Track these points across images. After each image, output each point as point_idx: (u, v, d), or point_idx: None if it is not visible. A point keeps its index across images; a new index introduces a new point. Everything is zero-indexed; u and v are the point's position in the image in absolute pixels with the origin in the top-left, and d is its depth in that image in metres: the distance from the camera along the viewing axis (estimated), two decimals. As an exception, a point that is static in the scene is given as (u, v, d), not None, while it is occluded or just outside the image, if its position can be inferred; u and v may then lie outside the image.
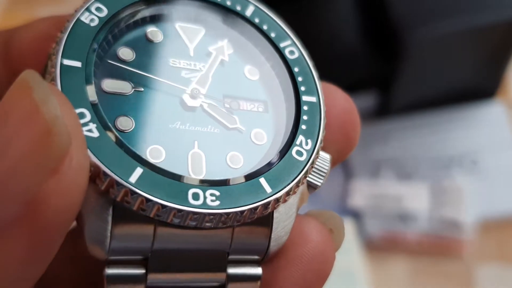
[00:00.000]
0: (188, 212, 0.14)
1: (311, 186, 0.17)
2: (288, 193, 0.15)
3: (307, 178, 0.16)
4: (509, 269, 0.52)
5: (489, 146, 0.58)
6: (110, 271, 0.14)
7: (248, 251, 0.16)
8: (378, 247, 0.54)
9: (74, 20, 0.15)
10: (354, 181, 0.56)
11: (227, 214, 0.14)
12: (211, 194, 0.14)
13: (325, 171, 0.17)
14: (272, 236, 0.16)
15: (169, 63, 0.17)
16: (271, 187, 0.15)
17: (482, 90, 0.62)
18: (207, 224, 0.14)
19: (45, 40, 0.16)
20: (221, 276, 0.15)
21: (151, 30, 0.17)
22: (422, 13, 0.51)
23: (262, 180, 0.15)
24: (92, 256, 0.14)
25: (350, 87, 0.63)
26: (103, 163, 0.13)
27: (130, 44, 0.17)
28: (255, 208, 0.15)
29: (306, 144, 0.16)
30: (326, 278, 0.17)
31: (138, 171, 0.13)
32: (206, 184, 0.15)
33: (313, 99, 0.17)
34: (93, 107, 0.14)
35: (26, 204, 0.10)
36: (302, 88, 0.17)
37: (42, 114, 0.10)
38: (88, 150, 0.13)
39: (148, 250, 0.14)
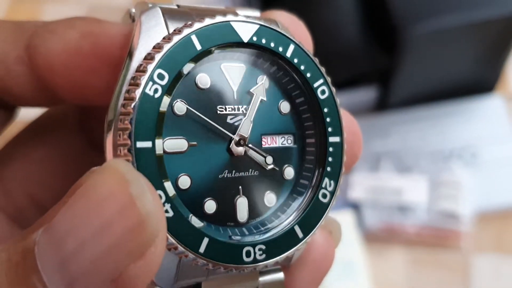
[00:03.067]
0: (243, 267, 0.16)
1: None
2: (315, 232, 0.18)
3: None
4: (506, 260, 0.53)
5: (488, 139, 0.59)
6: None
7: (276, 268, 0.19)
8: (377, 238, 0.54)
9: (140, 93, 0.15)
10: (354, 174, 0.57)
11: (270, 263, 0.17)
12: (259, 249, 0.17)
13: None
14: (294, 257, 0.19)
15: (216, 111, 0.17)
16: (303, 233, 0.18)
17: (482, 85, 0.62)
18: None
19: (76, 55, 0.17)
20: (255, 280, 0.18)
21: (200, 76, 0.18)
22: (422, 8, 0.52)
23: (296, 227, 0.18)
24: None
25: (351, 81, 0.64)
26: (176, 238, 0.15)
27: (183, 97, 0.17)
28: (293, 252, 0.17)
29: (330, 185, 0.18)
30: (328, 270, 0.20)
31: (205, 241, 0.16)
32: (256, 234, 0.17)
33: (337, 139, 0.19)
34: (166, 178, 0.16)
35: (112, 281, 0.11)
36: (330, 129, 0.19)
37: (138, 208, 0.11)
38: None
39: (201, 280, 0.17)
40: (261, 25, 0.18)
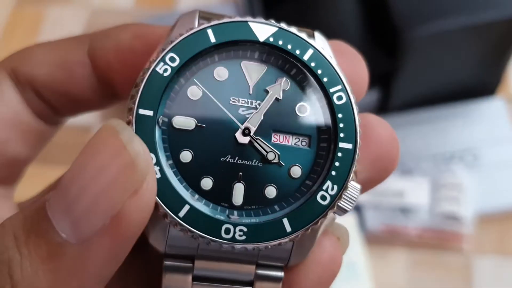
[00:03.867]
0: (221, 243, 0.18)
1: (340, 210, 0.19)
2: (309, 229, 0.18)
3: (339, 204, 0.19)
4: (507, 262, 0.53)
5: (490, 141, 0.59)
6: (167, 262, 0.18)
7: (272, 261, 0.19)
8: (379, 240, 0.55)
9: (150, 71, 0.18)
10: (356, 176, 0.57)
11: (250, 248, 0.18)
12: (240, 230, 0.18)
13: (354, 199, 0.19)
14: (292, 254, 0.19)
15: (229, 101, 0.19)
16: (291, 227, 0.18)
17: (483, 87, 0.62)
18: (236, 250, 0.18)
19: (128, 53, 0.20)
20: (250, 270, 0.19)
21: (218, 69, 0.19)
22: (423, 10, 0.52)
23: (285, 220, 0.18)
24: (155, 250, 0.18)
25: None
26: (160, 200, 0.17)
27: (200, 83, 0.19)
28: (274, 244, 0.18)
29: (332, 189, 0.19)
30: (335, 276, 0.20)
31: (186, 207, 0.17)
32: (241, 217, 0.18)
33: (349, 146, 0.19)
34: (161, 147, 0.18)
35: (111, 218, 0.13)
36: (341, 135, 0.19)
37: (128, 151, 0.14)
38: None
39: (194, 253, 0.19)
40: (279, 27, 0.20)
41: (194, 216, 0.18)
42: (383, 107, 0.61)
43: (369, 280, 0.52)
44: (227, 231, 0.18)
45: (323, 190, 0.18)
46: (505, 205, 0.55)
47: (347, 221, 0.55)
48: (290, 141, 0.19)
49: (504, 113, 0.61)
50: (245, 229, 0.18)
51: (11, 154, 0.21)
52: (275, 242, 0.18)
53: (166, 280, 0.18)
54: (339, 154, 0.19)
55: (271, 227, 0.18)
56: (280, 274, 0.19)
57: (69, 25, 0.74)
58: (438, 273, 0.53)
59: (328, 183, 0.19)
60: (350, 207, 0.19)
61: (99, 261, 0.14)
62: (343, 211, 0.19)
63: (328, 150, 0.19)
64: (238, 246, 0.18)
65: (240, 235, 0.18)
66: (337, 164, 0.19)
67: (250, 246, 0.18)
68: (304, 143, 0.20)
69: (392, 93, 0.58)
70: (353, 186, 0.19)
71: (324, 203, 0.18)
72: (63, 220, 0.13)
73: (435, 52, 0.55)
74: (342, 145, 0.19)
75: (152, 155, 0.17)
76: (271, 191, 0.19)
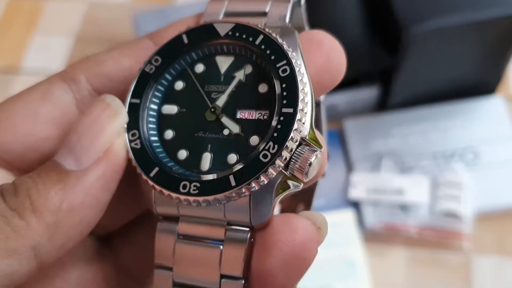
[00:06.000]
0: (178, 196, 0.22)
1: (298, 172, 0.21)
2: (248, 185, 0.21)
3: (291, 164, 0.22)
4: (507, 261, 0.53)
5: (490, 140, 0.59)
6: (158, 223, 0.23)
7: (237, 220, 0.22)
8: (378, 238, 0.54)
9: (140, 71, 0.24)
10: (355, 174, 0.57)
11: (203, 201, 0.21)
12: (194, 185, 0.22)
13: (308, 160, 0.21)
14: (251, 214, 0.22)
15: (204, 88, 0.24)
16: (236, 182, 0.21)
17: (484, 86, 0.62)
18: (198, 204, 0.22)
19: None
20: (221, 232, 0.22)
21: (197, 65, 0.25)
22: (424, 7, 0.52)
23: (231, 176, 0.21)
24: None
25: (353, 80, 0.64)
26: (137, 164, 0.22)
27: (182, 78, 0.25)
28: (222, 197, 0.21)
29: (273, 148, 0.21)
30: (306, 267, 0.20)
31: (156, 169, 0.22)
32: (192, 177, 0.22)
33: (290, 110, 0.22)
34: (141, 129, 0.23)
35: (104, 152, 0.19)
36: (284, 101, 0.22)
37: (112, 106, 0.20)
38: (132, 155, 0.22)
39: (178, 213, 0.23)
40: (237, 23, 0.24)
41: (161, 176, 0.22)
42: (383, 104, 0.61)
43: (367, 278, 0.52)
44: (184, 186, 0.22)
45: (265, 150, 0.21)
46: (505, 203, 0.55)
47: (346, 218, 0.55)
48: (254, 115, 0.23)
49: (504, 112, 0.61)
50: (198, 185, 0.22)
51: (48, 151, 0.22)
52: (221, 195, 0.21)
53: (157, 239, 0.23)
54: (281, 118, 0.22)
55: (219, 183, 0.21)
56: (245, 235, 0.22)
57: (66, 18, 0.74)
58: (437, 271, 0.53)
59: (270, 143, 0.21)
60: (304, 169, 0.21)
61: (96, 183, 0.19)
62: (299, 172, 0.21)
63: (274, 117, 0.22)
64: (191, 198, 0.21)
65: (193, 190, 0.21)
66: (279, 126, 0.22)
67: (200, 198, 0.21)
68: (265, 116, 0.23)
69: (393, 90, 0.58)
70: (308, 148, 0.21)
71: (265, 160, 0.21)
72: (67, 158, 0.19)
73: (436, 49, 0.55)
74: (284, 110, 0.22)
75: (135, 131, 0.23)
76: (232, 158, 0.23)
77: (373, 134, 0.60)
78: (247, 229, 0.22)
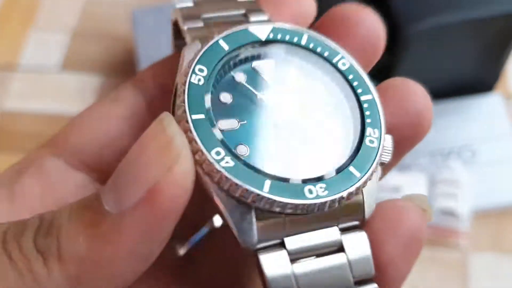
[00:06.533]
0: (310, 204, 0.19)
1: (381, 163, 0.21)
2: (372, 173, 0.20)
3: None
4: (503, 258, 0.53)
5: (487, 138, 0.59)
6: (261, 256, 0.18)
7: (350, 216, 0.20)
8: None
9: (188, 82, 0.20)
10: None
11: (334, 199, 0.19)
12: (320, 187, 0.19)
13: (390, 149, 0.21)
14: (364, 204, 0.20)
15: (256, 96, 0.21)
16: (359, 172, 0.20)
17: (481, 83, 0.62)
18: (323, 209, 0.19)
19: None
20: (336, 232, 0.20)
21: (237, 74, 0.22)
22: (421, 5, 0.52)
23: (351, 168, 0.20)
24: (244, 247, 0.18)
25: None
26: (240, 181, 0.18)
27: (226, 89, 0.21)
28: (352, 191, 0.19)
29: (374, 133, 0.21)
30: (421, 249, 0.21)
31: (267, 182, 0.19)
32: (310, 181, 0.19)
33: (369, 97, 0.22)
34: (223, 144, 0.19)
35: (148, 190, 0.15)
36: (359, 90, 0.22)
37: (166, 133, 0.16)
38: (231, 176, 0.18)
39: (283, 235, 0.19)
40: (273, 26, 0.22)
41: (277, 187, 0.18)
42: (381, 102, 0.61)
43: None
44: (310, 191, 0.19)
45: (367, 136, 0.20)
46: (502, 201, 0.55)
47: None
48: (319, 115, 0.22)
49: (502, 110, 0.61)
50: (324, 185, 0.19)
51: (122, 148, 0.22)
52: (353, 188, 0.19)
53: (266, 266, 0.18)
54: (365, 105, 0.21)
55: (344, 178, 0.20)
56: (364, 234, 0.20)
57: (63, 14, 0.73)
58: (434, 269, 0.53)
59: (369, 129, 0.21)
60: (388, 158, 0.21)
61: (134, 232, 0.15)
62: (382, 164, 0.21)
63: (355, 106, 0.22)
64: (323, 200, 0.19)
65: (322, 192, 0.19)
66: (367, 113, 0.21)
67: (334, 197, 0.19)
68: (329, 111, 0.22)
69: (391, 88, 0.58)
70: (385, 138, 0.21)
71: (374, 145, 0.20)
72: (109, 194, 0.16)
73: (434, 47, 0.55)
74: (363, 97, 0.22)
75: (220, 149, 0.18)
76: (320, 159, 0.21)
77: (371, 132, 0.59)
78: (358, 222, 0.20)
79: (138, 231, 0.15)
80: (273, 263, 0.18)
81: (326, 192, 0.19)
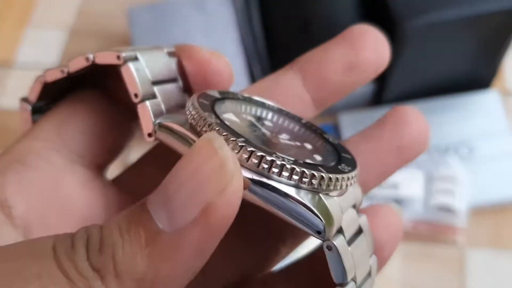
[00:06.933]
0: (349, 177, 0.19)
1: None
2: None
3: None
4: (501, 254, 0.53)
5: (485, 134, 0.59)
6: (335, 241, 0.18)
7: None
8: (373, 232, 0.54)
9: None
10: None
11: (356, 174, 0.20)
12: (343, 166, 0.20)
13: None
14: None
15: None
16: (350, 167, 0.20)
17: (479, 80, 0.62)
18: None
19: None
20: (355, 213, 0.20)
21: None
22: (419, 1, 0.51)
23: (342, 165, 0.20)
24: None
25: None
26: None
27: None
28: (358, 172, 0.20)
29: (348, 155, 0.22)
30: (400, 240, 0.23)
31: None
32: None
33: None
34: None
35: (202, 211, 0.16)
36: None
37: (219, 155, 0.16)
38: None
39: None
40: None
41: (332, 169, 0.19)
42: (378, 99, 0.61)
43: (362, 272, 0.52)
44: (343, 168, 0.19)
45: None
46: (500, 198, 0.55)
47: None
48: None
49: (499, 106, 0.61)
50: (345, 164, 0.20)
51: (110, 144, 0.23)
52: (358, 170, 0.20)
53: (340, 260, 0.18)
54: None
55: (350, 160, 0.21)
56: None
57: (60, 12, 0.73)
58: (432, 266, 0.53)
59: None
60: None
61: (189, 249, 0.16)
62: None
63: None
64: (355, 172, 0.20)
65: (348, 169, 0.20)
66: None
67: (356, 171, 0.20)
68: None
69: (387, 85, 0.58)
70: None
71: (350, 157, 0.21)
72: (161, 212, 0.16)
73: (431, 44, 0.55)
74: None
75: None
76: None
77: (368, 129, 0.59)
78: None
79: (193, 248, 0.16)
80: (344, 252, 0.18)
81: (349, 168, 0.19)
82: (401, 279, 0.52)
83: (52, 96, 0.23)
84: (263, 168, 0.17)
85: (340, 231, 0.18)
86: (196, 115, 0.18)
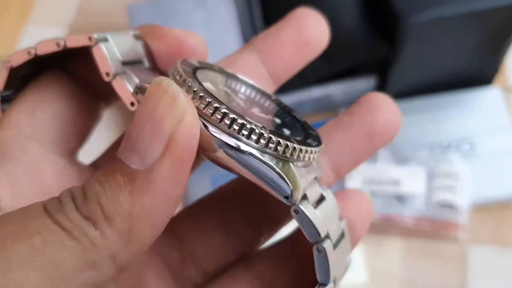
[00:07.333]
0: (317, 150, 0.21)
1: None
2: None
3: None
4: (502, 251, 0.53)
5: (486, 130, 0.59)
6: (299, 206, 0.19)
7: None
8: (374, 228, 0.54)
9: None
10: (351, 165, 0.57)
11: (322, 148, 0.21)
12: (311, 140, 0.21)
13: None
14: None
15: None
16: (316, 142, 0.21)
17: (480, 76, 0.62)
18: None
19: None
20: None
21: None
22: (421, -3, 0.51)
23: (309, 140, 0.21)
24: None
25: (349, 70, 0.63)
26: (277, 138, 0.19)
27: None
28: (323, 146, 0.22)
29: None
30: (370, 221, 0.24)
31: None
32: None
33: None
34: None
35: (166, 145, 0.17)
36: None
37: (168, 92, 0.17)
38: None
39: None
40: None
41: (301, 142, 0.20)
42: (380, 95, 0.60)
43: (363, 268, 0.52)
44: (312, 141, 0.21)
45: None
46: (501, 194, 0.55)
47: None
48: None
49: (501, 103, 0.61)
50: (311, 139, 0.21)
51: (79, 127, 0.24)
52: (322, 145, 0.22)
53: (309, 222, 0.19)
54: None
55: (315, 136, 0.22)
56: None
57: (59, 8, 0.73)
58: (433, 262, 0.53)
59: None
60: None
61: (164, 180, 0.17)
62: None
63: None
64: (320, 147, 0.21)
65: (314, 144, 0.21)
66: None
67: (322, 146, 0.21)
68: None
69: (389, 81, 0.58)
70: None
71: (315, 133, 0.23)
72: (131, 157, 0.17)
73: (433, 40, 0.55)
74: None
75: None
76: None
77: (370, 125, 0.59)
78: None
79: (167, 178, 0.17)
80: (312, 214, 0.19)
81: (316, 143, 0.21)
82: (402, 276, 0.52)
83: (18, 84, 0.23)
84: (234, 129, 0.18)
85: (305, 198, 0.19)
86: (180, 80, 0.19)
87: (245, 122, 0.18)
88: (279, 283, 0.23)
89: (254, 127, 0.18)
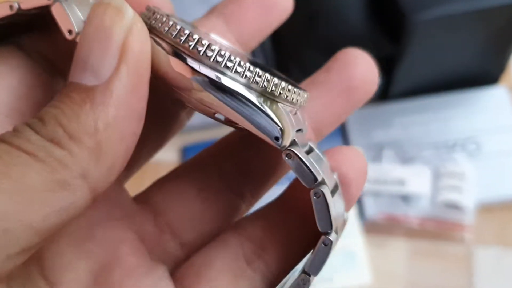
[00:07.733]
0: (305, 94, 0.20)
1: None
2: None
3: None
4: (508, 252, 0.53)
5: (492, 130, 0.58)
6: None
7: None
8: (379, 229, 0.54)
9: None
10: (356, 164, 0.56)
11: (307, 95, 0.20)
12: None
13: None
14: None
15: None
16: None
17: (486, 76, 0.61)
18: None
19: None
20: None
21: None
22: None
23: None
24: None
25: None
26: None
27: None
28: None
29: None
30: (365, 181, 0.22)
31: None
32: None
33: None
34: None
35: (119, 55, 0.17)
36: None
37: (112, 5, 0.17)
38: None
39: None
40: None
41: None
42: (385, 94, 0.60)
43: (368, 269, 0.51)
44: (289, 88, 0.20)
45: None
46: (508, 194, 0.54)
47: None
48: None
49: (507, 102, 0.60)
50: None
51: (34, 100, 0.22)
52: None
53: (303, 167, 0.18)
54: None
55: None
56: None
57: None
58: (438, 263, 0.52)
59: None
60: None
61: (124, 89, 0.17)
62: None
63: None
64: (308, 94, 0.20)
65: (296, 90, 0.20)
66: None
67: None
68: None
69: (395, 79, 0.58)
70: None
71: None
72: (85, 75, 0.17)
73: (439, 38, 0.54)
74: None
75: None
76: None
77: (374, 124, 0.59)
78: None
79: (127, 87, 0.17)
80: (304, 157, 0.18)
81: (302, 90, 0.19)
82: (408, 276, 0.52)
83: None
84: (217, 61, 0.17)
85: (295, 143, 0.18)
86: (159, 16, 0.18)
87: (230, 54, 0.16)
88: (271, 243, 0.22)
89: (240, 59, 0.17)
